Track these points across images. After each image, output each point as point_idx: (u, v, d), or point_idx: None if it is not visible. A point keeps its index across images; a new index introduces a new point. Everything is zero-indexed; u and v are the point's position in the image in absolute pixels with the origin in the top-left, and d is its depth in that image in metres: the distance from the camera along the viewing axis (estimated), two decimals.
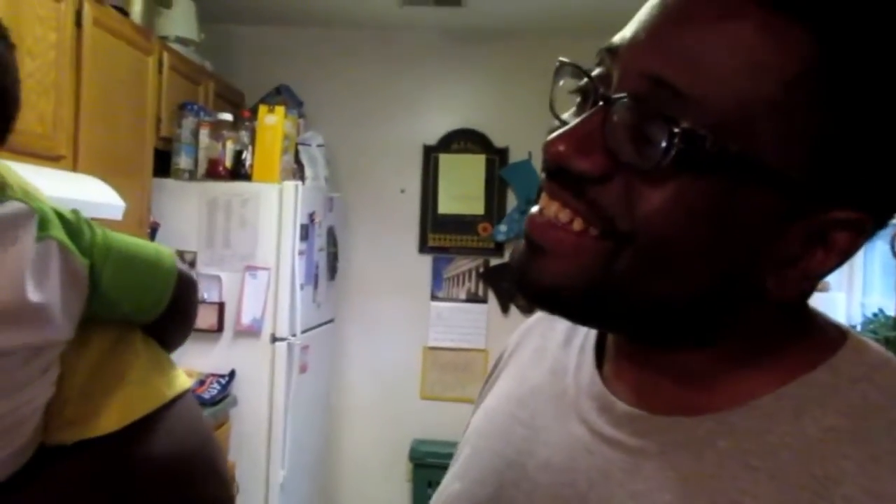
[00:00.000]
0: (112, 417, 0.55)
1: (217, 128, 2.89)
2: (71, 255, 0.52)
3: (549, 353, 0.55)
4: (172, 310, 0.59)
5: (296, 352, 2.89)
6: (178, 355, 2.56)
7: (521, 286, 0.43)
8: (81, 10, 2.18)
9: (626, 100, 0.38)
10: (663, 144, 0.37)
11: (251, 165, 2.89)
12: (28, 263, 0.49)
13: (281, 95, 3.54)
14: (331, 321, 3.48)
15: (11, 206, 0.53)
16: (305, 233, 2.97)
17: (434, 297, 3.67)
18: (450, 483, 0.55)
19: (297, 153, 3.19)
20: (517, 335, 0.63)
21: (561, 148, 0.40)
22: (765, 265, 0.40)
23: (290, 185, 2.86)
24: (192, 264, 2.83)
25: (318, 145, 3.40)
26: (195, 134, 2.87)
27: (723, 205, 0.38)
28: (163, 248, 0.60)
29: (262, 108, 2.94)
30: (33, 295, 0.48)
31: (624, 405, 0.46)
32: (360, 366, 3.72)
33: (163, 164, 2.82)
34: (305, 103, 3.60)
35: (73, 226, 0.54)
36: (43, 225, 0.53)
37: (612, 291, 0.41)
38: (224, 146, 2.89)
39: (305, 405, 3.06)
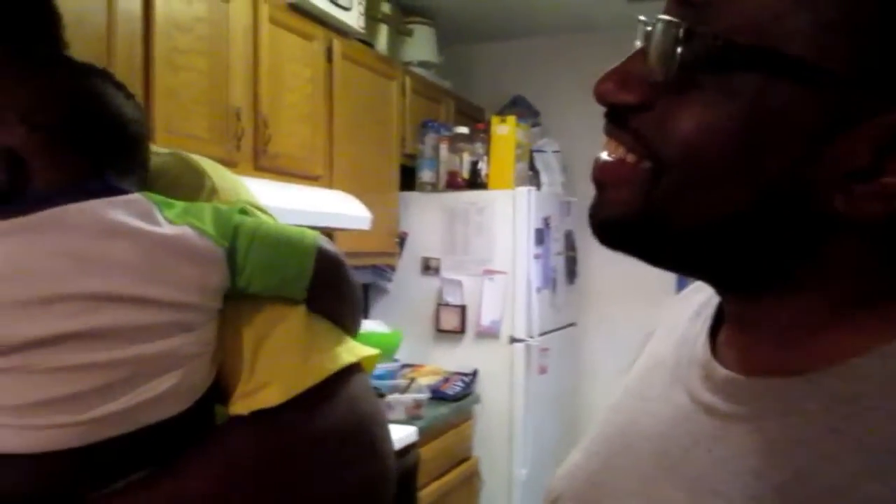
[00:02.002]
0: (275, 391, 0.59)
1: (454, 141, 3.08)
2: (205, 237, 0.59)
3: (678, 327, 0.55)
4: (320, 285, 0.63)
5: (534, 353, 2.95)
6: (423, 354, 2.77)
7: (590, 226, 0.44)
8: (331, 47, 2.48)
9: (658, 25, 0.39)
10: (679, 50, 0.37)
11: (487, 175, 3.03)
12: (160, 242, 0.57)
13: (517, 106, 3.65)
14: (572, 325, 3.50)
15: (134, 195, 0.60)
16: (541, 237, 3.04)
17: None
18: (572, 454, 0.56)
19: (532, 160, 3.28)
20: (662, 314, 0.62)
21: (606, 86, 0.41)
22: (824, 180, 0.36)
23: (522, 191, 2.94)
24: (437, 270, 3.04)
25: (554, 151, 3.45)
26: (436, 149, 3.08)
27: (756, 110, 0.36)
28: (308, 230, 0.66)
29: (495, 119, 3.07)
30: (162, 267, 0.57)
31: (723, 370, 0.44)
32: (603, 371, 3.67)
33: (408, 179, 3.07)
34: (541, 112, 3.68)
35: (223, 216, 0.62)
36: (172, 210, 0.60)
37: (658, 218, 0.41)
38: (461, 158, 3.06)
39: (546, 406, 3.10)
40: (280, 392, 0.59)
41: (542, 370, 3.06)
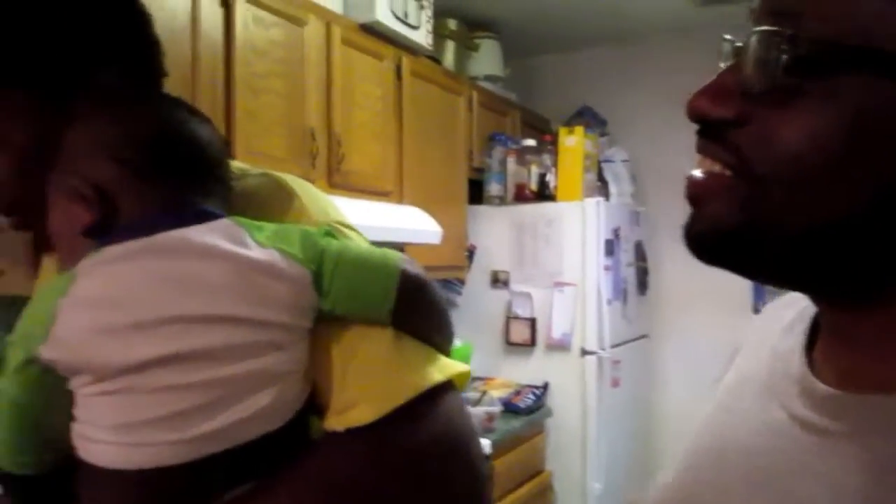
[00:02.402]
0: (367, 408, 0.60)
1: (522, 154, 3.08)
2: (293, 260, 0.61)
3: (769, 340, 0.54)
4: (404, 307, 0.64)
5: (606, 366, 2.92)
6: (494, 367, 2.77)
7: (685, 240, 0.44)
8: (400, 65, 2.52)
9: (750, 39, 0.39)
10: (779, 57, 0.38)
11: (555, 186, 3.02)
12: (250, 265, 0.59)
13: (583, 117, 3.64)
14: (643, 336, 3.44)
15: (224, 221, 0.62)
16: (610, 248, 3.01)
17: (757, 311, 3.41)
18: (665, 473, 0.56)
19: (600, 171, 3.26)
20: (749, 328, 0.62)
21: (700, 102, 0.41)
22: None
23: (591, 202, 2.92)
24: (506, 283, 3.04)
25: (623, 161, 3.42)
26: (503, 162, 3.10)
27: (863, 111, 0.36)
28: (390, 251, 0.66)
29: (562, 131, 3.06)
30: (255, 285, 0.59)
31: (823, 386, 0.44)
32: (678, 384, 3.59)
33: (476, 192, 3.09)
34: (608, 121, 3.65)
35: (310, 239, 0.64)
36: (262, 234, 0.62)
37: (761, 230, 0.40)
38: (529, 170, 3.06)
39: (619, 420, 3.06)
40: (372, 409, 0.60)
41: (615, 383, 3.02)
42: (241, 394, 0.57)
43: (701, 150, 0.43)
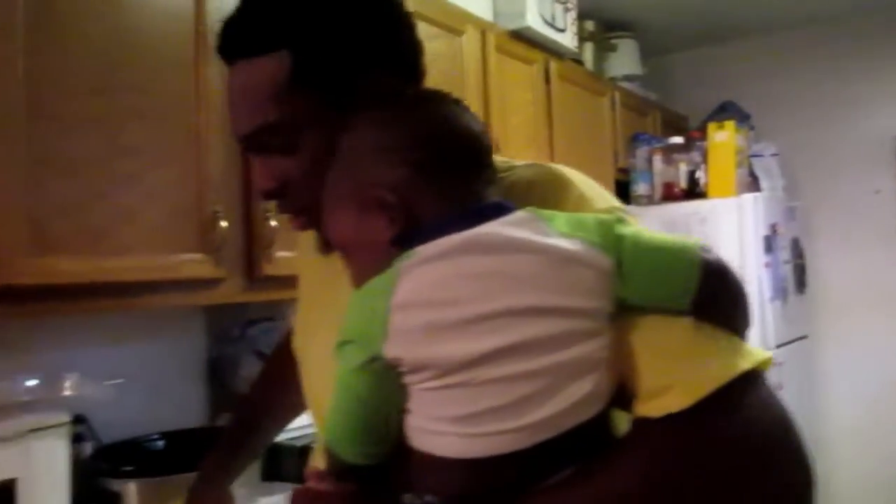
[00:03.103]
0: (678, 395, 0.59)
1: (669, 152, 3.01)
2: (595, 248, 0.60)
3: None
4: (705, 296, 0.62)
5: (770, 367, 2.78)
6: None
7: None
8: (548, 69, 2.53)
9: None
10: None
11: (706, 184, 2.93)
12: (558, 256, 0.59)
13: (726, 112, 3.51)
14: (803, 337, 3.27)
15: (524, 212, 0.62)
16: (768, 245, 2.88)
17: None
18: None
19: (750, 166, 3.13)
20: None
21: None
22: None
23: (748, 197, 2.82)
24: None
25: (772, 155, 3.28)
26: (649, 161, 3.03)
27: None
28: (689, 240, 0.65)
29: (712, 126, 2.97)
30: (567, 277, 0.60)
31: None
32: (842, 390, 3.38)
33: (622, 193, 3.04)
34: (753, 115, 3.51)
35: (606, 226, 0.64)
36: (558, 223, 0.62)
37: None
38: (677, 169, 2.98)
39: None
40: (686, 396, 0.59)
41: (779, 386, 2.88)
42: (568, 381, 0.58)
43: None
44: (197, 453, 1.10)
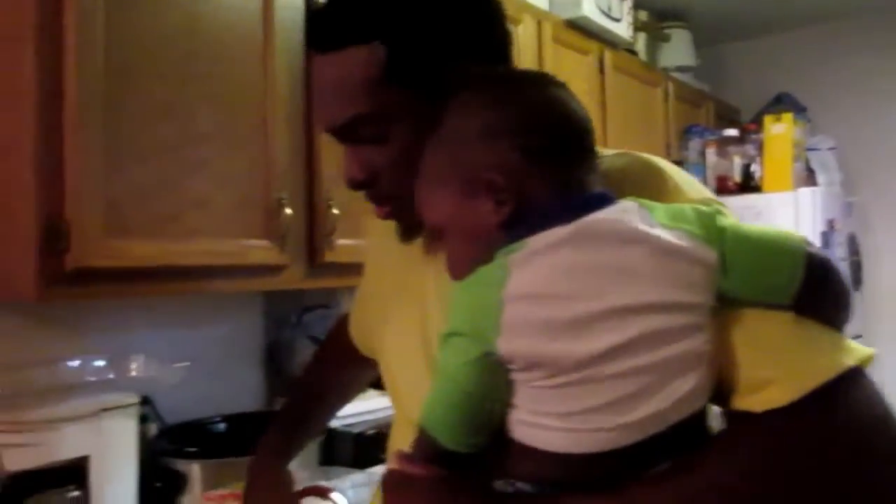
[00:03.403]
0: (781, 390, 0.58)
1: (723, 145, 2.96)
2: (699, 240, 0.59)
3: None
4: (809, 291, 0.60)
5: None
6: None
7: None
8: (603, 59, 2.50)
9: None
10: None
11: (761, 177, 2.87)
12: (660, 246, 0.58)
13: (782, 104, 3.43)
14: (858, 337, 3.19)
15: (628, 202, 0.61)
16: (826, 241, 2.81)
17: None
18: None
19: (806, 160, 3.06)
20: None
21: None
22: None
23: (806, 192, 2.75)
24: None
25: (829, 148, 3.19)
26: (702, 154, 2.98)
27: None
28: (792, 233, 0.63)
29: (768, 119, 2.90)
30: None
31: None
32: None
33: None
34: (809, 108, 3.43)
35: (707, 218, 0.62)
36: (658, 213, 0.61)
37: None
38: (731, 161, 2.93)
39: None
40: (789, 391, 0.58)
41: None
42: (674, 376, 0.57)
43: None
44: (256, 437, 1.11)
